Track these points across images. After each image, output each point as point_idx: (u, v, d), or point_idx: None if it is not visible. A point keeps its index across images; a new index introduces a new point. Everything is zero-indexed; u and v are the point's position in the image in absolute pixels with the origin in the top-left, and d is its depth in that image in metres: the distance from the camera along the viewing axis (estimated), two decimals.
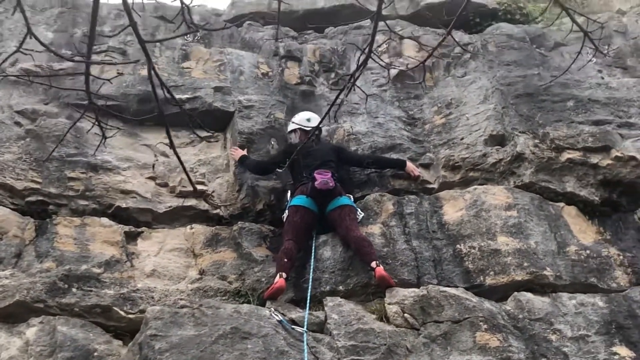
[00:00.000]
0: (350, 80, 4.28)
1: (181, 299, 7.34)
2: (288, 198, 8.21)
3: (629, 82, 9.46)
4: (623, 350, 6.76)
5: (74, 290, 7.11)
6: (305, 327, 6.64)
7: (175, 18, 10.41)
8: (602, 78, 9.65)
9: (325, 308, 6.97)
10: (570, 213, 8.22)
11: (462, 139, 8.88)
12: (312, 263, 7.51)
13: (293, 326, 6.66)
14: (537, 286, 7.35)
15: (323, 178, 7.93)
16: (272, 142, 8.94)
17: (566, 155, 8.42)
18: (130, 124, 9.10)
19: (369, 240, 7.52)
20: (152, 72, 3.50)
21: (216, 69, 9.76)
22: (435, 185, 8.66)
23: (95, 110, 4.32)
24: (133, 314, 7.12)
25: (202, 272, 7.79)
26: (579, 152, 8.43)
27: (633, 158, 8.29)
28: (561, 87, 9.25)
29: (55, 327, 6.76)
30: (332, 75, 10.11)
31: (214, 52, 10.08)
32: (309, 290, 7.16)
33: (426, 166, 8.83)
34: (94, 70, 9.41)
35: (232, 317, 6.52)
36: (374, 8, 11.16)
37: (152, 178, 8.57)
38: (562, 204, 8.27)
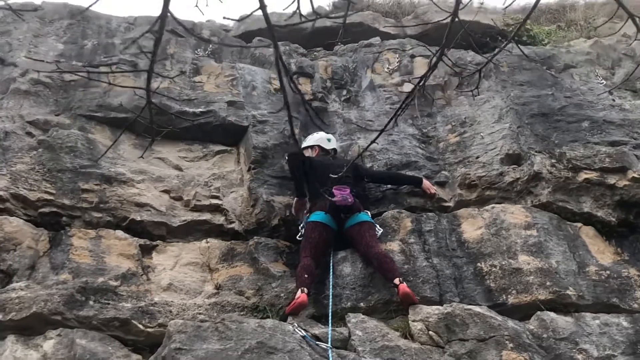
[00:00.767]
0: (419, 84, 4.16)
1: (200, 314, 7.24)
2: (305, 211, 8.13)
3: None
4: None
5: (91, 302, 6.97)
6: (329, 343, 6.53)
7: (186, 33, 10.40)
8: (614, 100, 9.66)
9: (349, 324, 6.88)
10: (587, 233, 8.19)
11: (477, 157, 8.85)
12: (331, 279, 7.42)
13: (317, 342, 6.55)
14: (560, 306, 7.29)
15: (342, 194, 7.87)
16: (286, 157, 8.84)
17: (583, 176, 8.40)
18: (142, 137, 9.03)
19: (390, 257, 7.46)
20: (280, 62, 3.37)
21: (229, 83, 9.69)
22: (451, 204, 8.62)
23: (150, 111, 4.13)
24: (152, 327, 6.99)
25: (218, 287, 7.68)
26: (595, 172, 8.42)
27: None
28: (575, 107, 9.27)
29: (74, 340, 6.61)
30: (344, 92, 10.06)
31: (226, 66, 10.02)
32: (330, 307, 7.06)
33: (442, 184, 8.78)
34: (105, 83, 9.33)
35: (256, 331, 6.39)
36: (381, 27, 11.21)
37: (166, 191, 8.45)
38: (579, 224, 8.24)
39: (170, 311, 7.19)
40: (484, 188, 8.57)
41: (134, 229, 8.05)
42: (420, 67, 10.36)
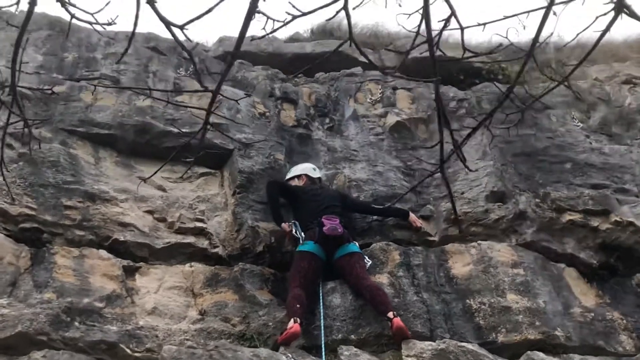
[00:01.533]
0: (487, 118, 4.12)
1: (187, 339, 7.05)
2: (298, 233, 8.04)
3: (620, 148, 9.67)
4: None
5: (76, 324, 6.73)
6: None
7: (168, 51, 10.25)
8: (591, 143, 9.81)
9: (341, 357, 6.78)
10: (571, 275, 8.28)
11: (462, 193, 8.88)
12: (321, 310, 7.32)
13: None
14: (549, 346, 7.32)
15: (332, 224, 7.80)
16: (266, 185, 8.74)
17: (567, 217, 8.51)
18: (125, 154, 8.84)
19: (383, 290, 7.41)
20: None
21: (213, 105, 9.52)
22: (436, 238, 8.61)
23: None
24: (139, 352, 6.78)
25: (202, 313, 7.50)
26: (579, 214, 8.53)
27: (631, 224, 8.43)
28: (557, 149, 9.38)
29: None
30: (327, 120, 10.01)
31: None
32: (323, 338, 6.96)
33: (426, 218, 8.78)
34: (87, 97, 9.15)
35: None
36: (361, 57, 11.21)
37: (150, 212, 8.26)
38: (563, 265, 8.34)
39: (157, 336, 7.00)
40: (470, 224, 8.59)
41: (116, 249, 7.83)
42: (402, 99, 10.37)
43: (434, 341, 7.04)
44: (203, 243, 8.23)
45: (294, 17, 3.71)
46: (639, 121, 10.45)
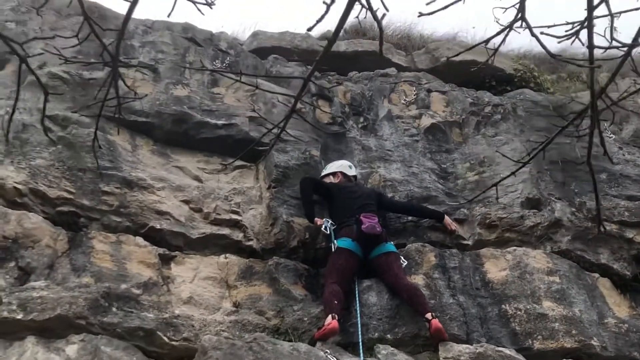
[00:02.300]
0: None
1: (223, 330, 7.02)
2: (327, 230, 8.01)
3: None
4: None
5: (114, 309, 6.69)
6: None
7: (205, 42, 10.23)
8: (624, 155, 9.77)
9: (379, 355, 6.76)
10: (605, 285, 8.26)
11: (497, 198, 8.82)
12: (357, 308, 7.28)
13: None
14: (584, 355, 7.31)
15: (371, 222, 7.77)
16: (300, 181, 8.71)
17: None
18: (161, 143, 8.81)
19: (421, 291, 7.39)
20: None
21: (249, 98, 9.52)
22: (470, 242, 8.60)
23: None
24: (177, 341, 6.75)
25: (237, 305, 7.48)
26: (615, 225, 8.52)
27: None
28: (593, 158, 9.28)
29: (98, 347, 6.34)
30: (361, 119, 9.97)
31: (244, 81, 9.82)
32: (360, 336, 6.91)
33: (460, 221, 8.76)
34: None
35: (292, 354, 6.23)
36: (394, 58, 11.21)
37: (186, 201, 8.22)
38: (597, 275, 8.31)
39: (193, 325, 6.96)
40: (504, 230, 8.57)
41: (152, 237, 7.79)
42: (436, 102, 10.36)
43: (471, 344, 7.01)
44: (238, 235, 8.20)
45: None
46: None
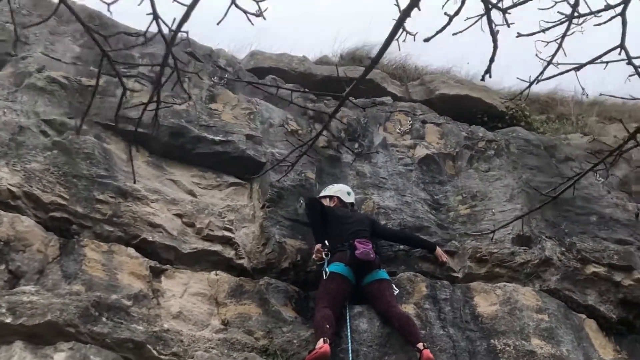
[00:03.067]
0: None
1: (212, 348, 6.95)
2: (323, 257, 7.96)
3: None
4: None
5: (104, 319, 6.61)
6: None
7: (204, 58, 10.21)
8: (612, 199, 9.85)
9: None
10: (591, 326, 8.30)
11: (488, 232, 8.84)
12: (348, 334, 7.25)
13: None
14: None
15: (365, 249, 7.76)
16: (301, 201, 8.69)
17: (592, 269, 8.54)
18: (156, 155, 8.75)
19: (413, 320, 7.38)
20: None
21: (246, 116, 9.49)
22: (460, 275, 8.60)
23: None
24: (166, 355, 6.69)
25: (226, 323, 7.42)
26: (604, 267, 8.58)
27: None
28: (583, 200, 9.41)
29: (87, 356, 6.28)
30: (356, 145, 9.96)
31: (242, 99, 9.82)
32: None
33: (451, 254, 8.77)
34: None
35: None
36: (389, 88, 11.25)
37: (179, 215, 8.15)
38: (583, 316, 8.35)
39: (182, 341, 6.90)
40: (494, 264, 8.60)
41: (143, 248, 7.71)
42: (431, 133, 10.39)
43: None
44: (229, 253, 8.13)
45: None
46: None
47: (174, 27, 3.41)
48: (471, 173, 9.84)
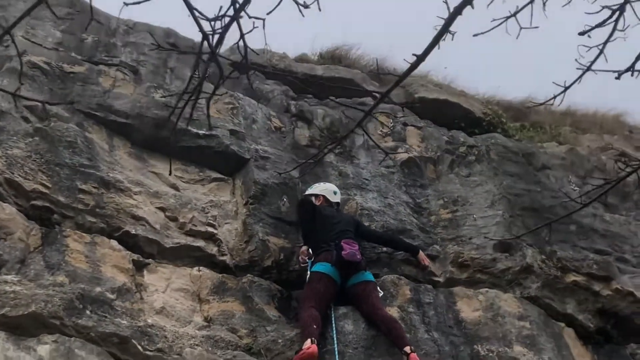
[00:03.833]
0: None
1: (196, 345, 6.81)
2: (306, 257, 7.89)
3: (620, 218, 9.81)
4: None
5: (88, 312, 6.44)
6: None
7: (187, 50, 10.04)
8: (589, 209, 9.89)
9: None
10: (570, 335, 8.35)
11: (470, 238, 8.87)
12: (334, 335, 7.17)
13: None
14: None
15: (351, 249, 7.69)
16: (284, 199, 8.60)
17: (572, 277, 8.59)
18: (138, 146, 8.59)
19: (400, 323, 7.33)
20: None
21: (229, 111, 9.35)
22: (441, 279, 8.58)
23: None
24: (151, 351, 6.53)
25: (208, 320, 7.29)
26: (583, 276, 8.62)
27: (631, 294, 8.56)
28: (563, 209, 9.42)
29: (72, 350, 6.10)
30: (338, 145, 9.87)
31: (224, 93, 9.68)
32: None
33: (432, 258, 8.73)
34: (106, 82, 8.89)
35: None
36: (369, 88, 11.19)
37: (162, 209, 7.99)
38: (562, 324, 8.38)
39: (166, 337, 6.75)
40: (476, 270, 8.60)
41: (125, 241, 7.55)
42: (412, 136, 10.37)
43: None
44: (212, 249, 8.00)
45: None
46: (634, 194, 10.60)
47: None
48: (452, 178, 9.83)
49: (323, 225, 8.08)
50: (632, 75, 4.23)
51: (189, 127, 8.66)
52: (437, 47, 3.73)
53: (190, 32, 10.31)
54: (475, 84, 12.39)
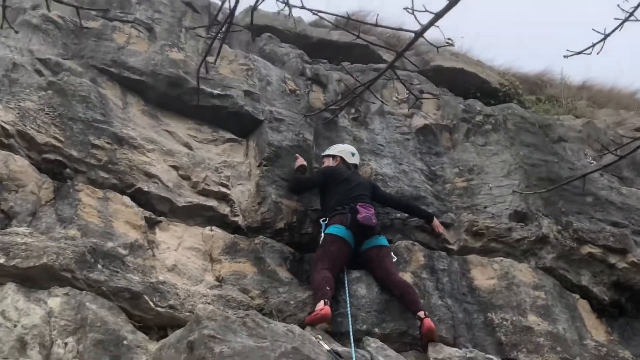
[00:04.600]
0: None
1: (207, 303, 6.70)
2: (321, 221, 7.79)
3: (637, 192, 9.67)
4: None
5: (99, 266, 6.33)
6: None
7: (202, 10, 9.94)
8: (606, 182, 9.79)
9: (369, 348, 6.53)
10: (584, 307, 8.24)
11: (485, 207, 8.77)
12: (347, 298, 7.05)
13: None
14: None
15: (367, 213, 7.57)
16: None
17: (587, 249, 8.46)
18: (152, 104, 8.47)
19: (414, 288, 7.23)
20: None
21: (244, 72, 9.22)
22: (455, 247, 8.47)
23: None
24: (162, 307, 6.42)
25: (220, 280, 7.18)
26: (599, 248, 8.49)
27: None
28: (579, 181, 9.29)
29: (83, 303, 5.97)
30: (353, 110, 9.75)
31: (239, 54, 9.56)
32: (351, 326, 6.68)
33: (447, 226, 8.63)
34: (120, 39, 8.77)
35: (287, 335, 5.94)
36: (384, 56, 11.04)
37: (175, 167, 7.89)
38: (577, 296, 8.27)
39: (177, 294, 6.64)
40: (491, 239, 8.49)
41: (137, 198, 7.45)
42: (428, 103, 10.25)
43: (458, 349, 6.88)
44: (224, 209, 7.90)
45: None
46: None
47: None
48: (467, 146, 9.70)
49: (338, 187, 7.97)
50: None
51: (203, 87, 8.55)
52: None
53: None
54: (491, 55, 12.19)
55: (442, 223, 8.57)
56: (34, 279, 6.03)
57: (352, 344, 6.41)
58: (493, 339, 7.29)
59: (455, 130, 9.93)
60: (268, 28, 11.07)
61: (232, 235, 7.68)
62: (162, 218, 7.46)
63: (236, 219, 7.91)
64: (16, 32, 7.02)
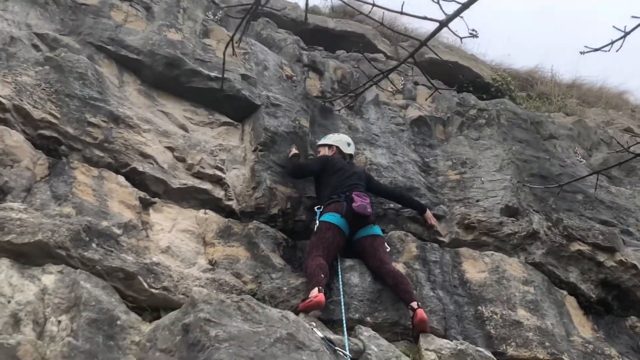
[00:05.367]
0: None
1: (201, 286, 6.67)
2: (316, 209, 7.81)
3: (626, 192, 9.76)
4: None
5: (94, 245, 6.27)
6: (347, 351, 6.18)
7: None
8: (594, 181, 9.85)
9: (361, 337, 6.55)
10: (571, 304, 8.29)
11: (477, 201, 8.81)
12: (340, 286, 7.07)
13: (337, 348, 6.17)
14: None
15: (362, 202, 7.58)
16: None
17: (577, 246, 8.51)
18: (148, 84, 8.42)
19: (407, 279, 7.24)
20: None
21: (241, 56, 9.18)
22: (446, 239, 8.50)
23: None
24: (156, 289, 6.39)
25: (213, 263, 7.15)
26: (588, 246, 8.54)
27: (634, 266, 8.51)
28: (570, 178, 9.36)
29: (78, 282, 5.91)
30: (348, 99, 9.72)
31: (236, 37, 9.47)
32: (344, 314, 6.71)
33: (439, 218, 8.66)
34: (117, 17, 8.69)
35: (282, 321, 5.95)
36: (380, 46, 11.03)
37: (170, 148, 7.84)
38: (565, 292, 8.32)
39: (171, 276, 6.62)
40: (482, 233, 8.53)
41: (132, 178, 7.40)
42: (423, 95, 10.27)
43: (446, 340, 6.92)
44: (219, 193, 7.86)
45: None
46: (638, 169, 10.56)
47: None
48: (461, 140, 9.73)
49: (334, 176, 7.97)
50: None
51: (200, 69, 8.51)
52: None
53: None
54: (483, 50, 12.24)
55: (435, 215, 8.61)
56: (28, 255, 5.97)
57: (345, 332, 6.43)
58: (483, 332, 7.33)
59: (449, 123, 9.97)
60: (265, 13, 11.01)
61: (226, 219, 7.65)
62: (156, 199, 7.41)
63: (230, 203, 7.88)
64: None
